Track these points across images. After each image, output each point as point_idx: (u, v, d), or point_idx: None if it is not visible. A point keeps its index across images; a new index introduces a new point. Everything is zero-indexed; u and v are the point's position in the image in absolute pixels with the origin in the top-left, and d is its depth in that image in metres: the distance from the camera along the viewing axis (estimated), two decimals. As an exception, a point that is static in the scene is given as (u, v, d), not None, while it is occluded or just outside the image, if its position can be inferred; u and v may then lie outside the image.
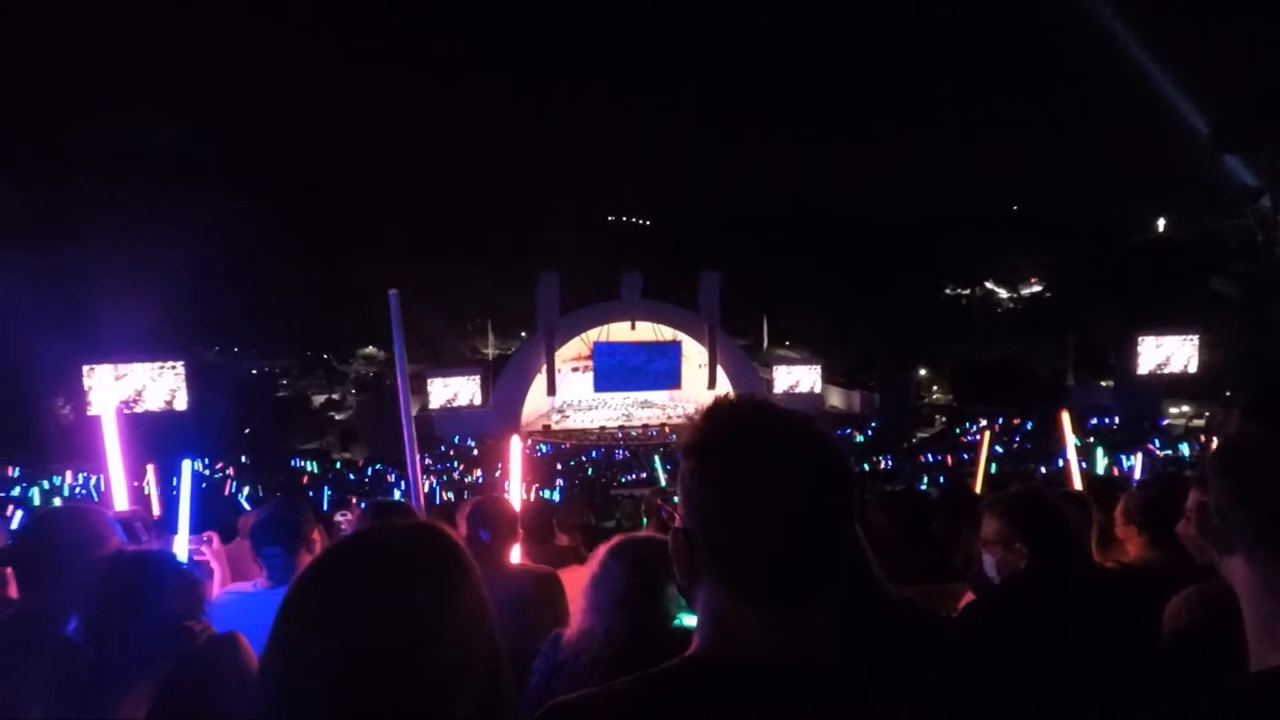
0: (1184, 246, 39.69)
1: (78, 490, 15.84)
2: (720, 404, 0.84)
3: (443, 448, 30.73)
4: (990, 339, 42.90)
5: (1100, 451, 8.39)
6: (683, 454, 0.82)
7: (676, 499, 0.86)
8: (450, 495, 16.12)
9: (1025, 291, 58.52)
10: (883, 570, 1.35)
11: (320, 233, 59.21)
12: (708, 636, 0.79)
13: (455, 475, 23.62)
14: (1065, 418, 3.57)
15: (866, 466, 19.30)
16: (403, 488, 15.11)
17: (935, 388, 44.89)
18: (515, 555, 2.84)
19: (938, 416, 37.82)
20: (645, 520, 5.45)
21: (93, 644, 1.60)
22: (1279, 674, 0.73)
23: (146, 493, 4.93)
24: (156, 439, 14.94)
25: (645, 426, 35.58)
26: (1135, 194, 58.89)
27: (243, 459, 24.69)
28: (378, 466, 24.58)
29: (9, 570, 1.83)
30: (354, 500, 10.77)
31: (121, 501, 2.79)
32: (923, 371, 44.38)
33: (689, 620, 1.71)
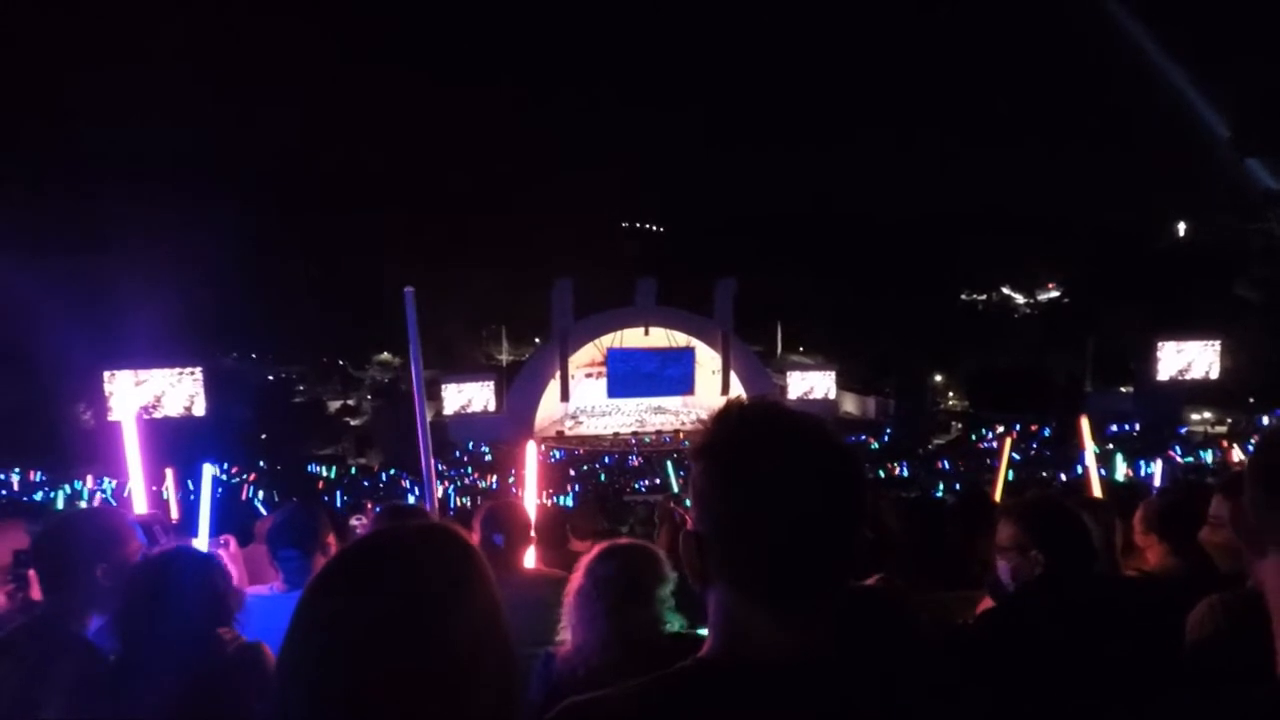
0: (1205, 251, 39.16)
1: (98, 495, 16.04)
2: (730, 406, 0.84)
3: (457, 453, 30.86)
4: (1007, 345, 42.50)
5: (1120, 458, 8.28)
6: (693, 457, 0.82)
7: (689, 502, 0.86)
8: (465, 500, 16.18)
9: (1042, 297, 57.95)
10: (899, 575, 1.34)
11: (336, 238, 59.83)
12: (719, 638, 0.79)
13: (469, 481, 23.71)
14: (1085, 424, 3.53)
15: (882, 473, 19.16)
16: (417, 493, 15.19)
17: (951, 394, 44.52)
18: (530, 560, 2.85)
19: (954, 423, 37.50)
20: (658, 526, 5.45)
21: (118, 646, 1.62)
22: None
23: (165, 497, 4.99)
24: (175, 444, 15.13)
25: (659, 432, 35.54)
26: (1156, 198, 58.22)
27: (260, 464, 24.92)
28: (393, 471, 24.73)
29: (32, 572, 1.86)
30: (369, 505, 10.83)
31: (142, 505, 2.83)
32: (938, 377, 44.03)
33: (679, 624, 1.71)
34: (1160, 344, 31.42)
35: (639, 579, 1.68)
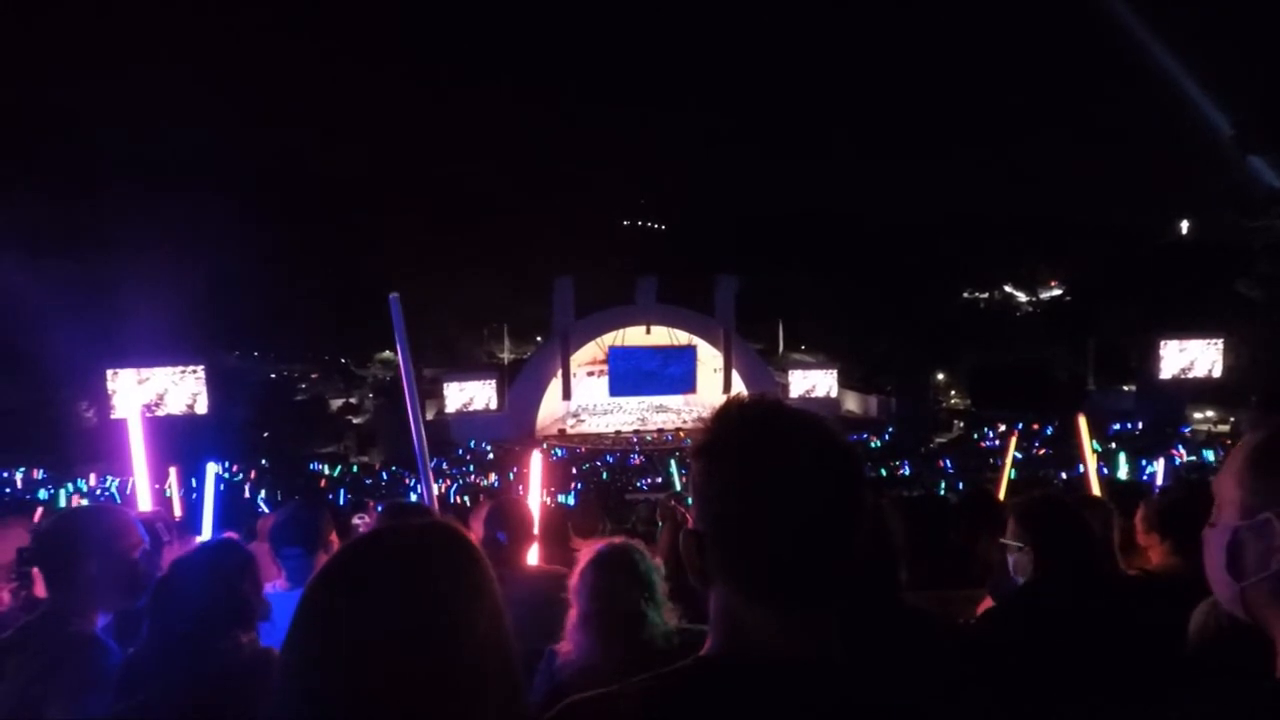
0: (1208, 249, 39.07)
1: (99, 492, 16.07)
2: (730, 405, 0.84)
3: (459, 451, 30.89)
4: (1009, 343, 42.42)
5: (1123, 457, 8.27)
6: (693, 455, 0.82)
7: (691, 501, 0.86)
8: (466, 499, 16.20)
9: (1044, 295, 57.83)
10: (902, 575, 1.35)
11: (338, 237, 59.81)
12: (720, 637, 0.79)
13: (471, 479, 23.73)
14: (1082, 422, 3.51)
15: (884, 472, 19.15)
16: (419, 490, 15.21)
17: (953, 392, 44.45)
18: (533, 558, 2.85)
19: (956, 421, 37.46)
20: (660, 524, 5.45)
21: (129, 643, 1.61)
22: None
23: (168, 495, 5.00)
24: (178, 442, 15.14)
25: (660, 431, 35.55)
26: (1158, 196, 58.12)
27: (262, 462, 24.96)
28: (394, 469, 24.76)
29: (35, 570, 1.86)
30: (371, 503, 10.85)
31: (145, 503, 2.84)
32: (940, 376, 43.97)
33: (674, 622, 1.71)
34: (1163, 342, 31.35)
35: (630, 580, 1.68)
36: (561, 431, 35.94)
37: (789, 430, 0.79)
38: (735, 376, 36.89)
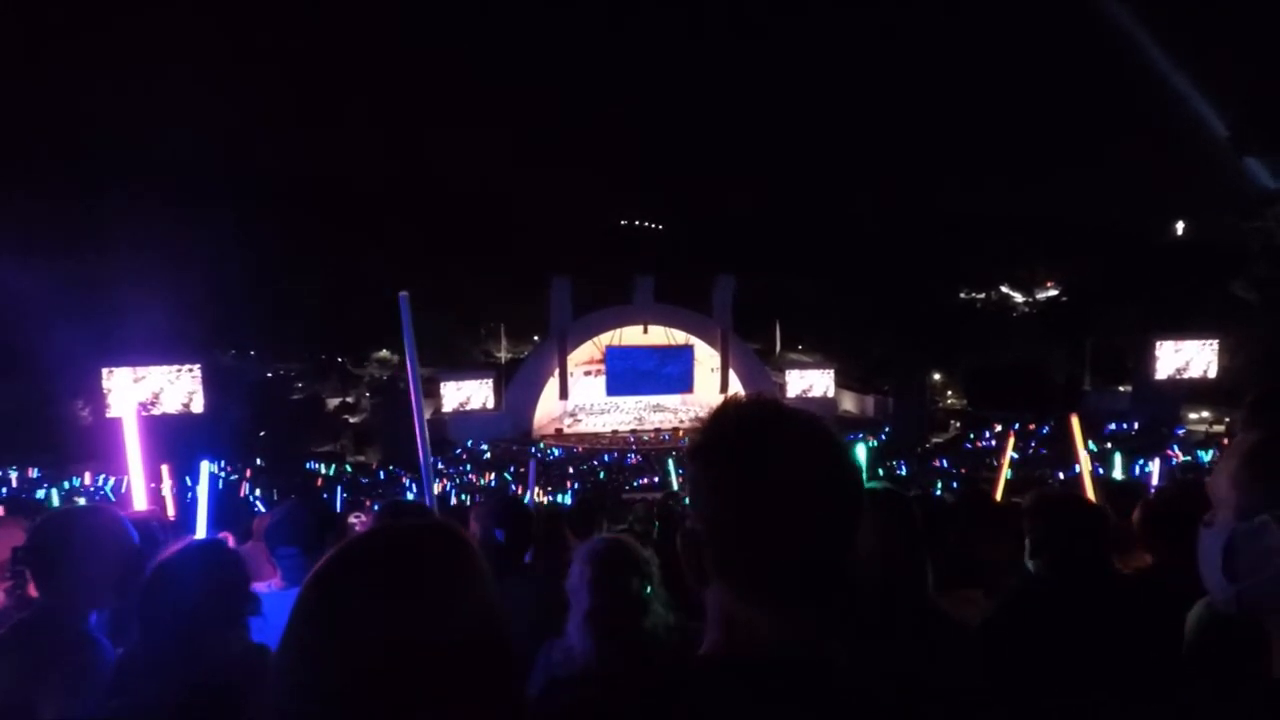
0: (1203, 250, 39.21)
1: (93, 490, 16.02)
2: (728, 405, 0.84)
3: (456, 450, 30.87)
4: (1005, 344, 42.52)
5: (1118, 457, 8.30)
6: (690, 455, 0.82)
7: (688, 500, 0.86)
8: (464, 498, 16.19)
9: (1041, 296, 57.98)
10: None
11: (335, 236, 59.70)
12: (717, 636, 0.79)
13: (469, 478, 23.73)
14: (1075, 422, 3.49)
15: (880, 472, 19.19)
16: (415, 490, 15.20)
17: (950, 393, 44.54)
18: (529, 557, 2.85)
19: (952, 422, 37.54)
20: (657, 524, 5.46)
21: (121, 642, 1.61)
22: None
23: (163, 494, 4.98)
24: (174, 441, 15.10)
25: (657, 430, 35.58)
26: (1154, 198, 58.28)
27: (258, 461, 24.91)
28: (391, 468, 24.73)
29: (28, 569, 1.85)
30: (367, 502, 10.84)
31: (140, 502, 2.83)
32: (937, 376, 44.06)
33: (669, 618, 1.71)
34: (1158, 343, 31.47)
35: (621, 578, 1.67)
36: (559, 431, 35.94)
37: (786, 430, 0.79)
38: (732, 376, 36.92)
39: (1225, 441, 17.27)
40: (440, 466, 25.08)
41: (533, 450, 32.11)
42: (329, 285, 52.69)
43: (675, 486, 13.14)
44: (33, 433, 23.48)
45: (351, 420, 41.83)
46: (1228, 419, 29.24)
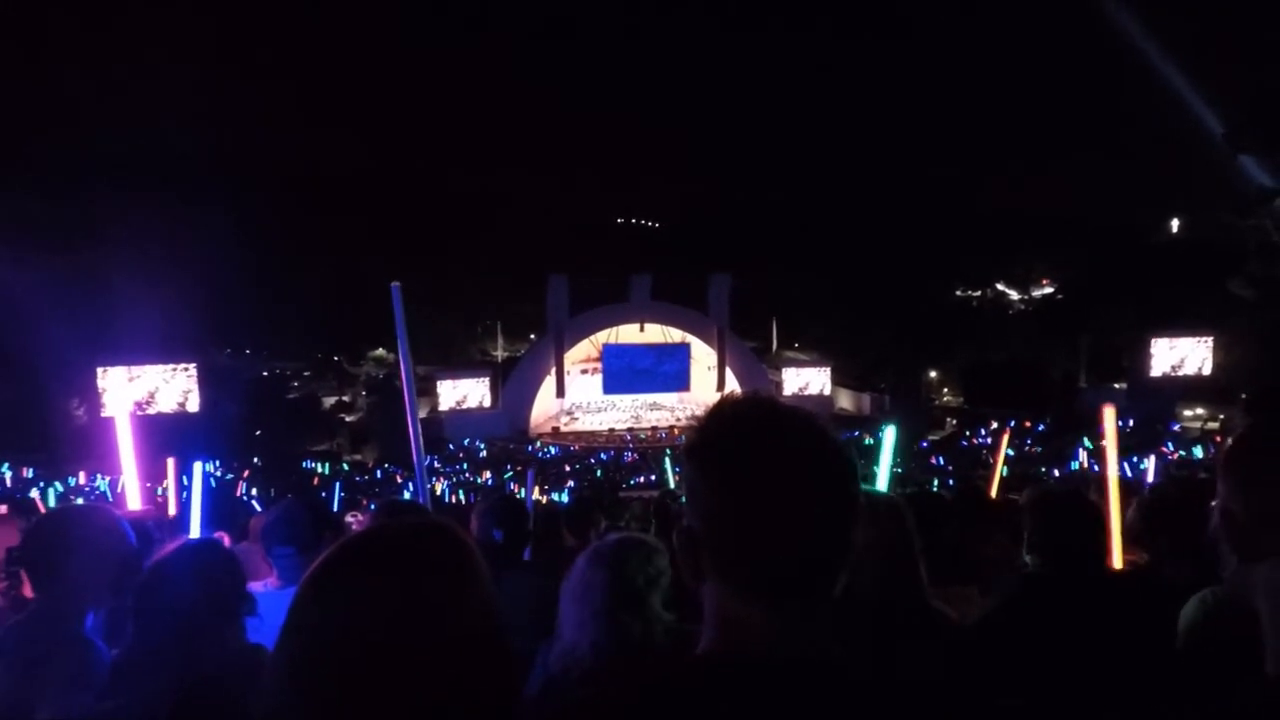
0: (1199, 248, 39.31)
1: (89, 490, 15.96)
2: (724, 403, 0.84)
3: (451, 448, 30.84)
4: (1002, 341, 42.63)
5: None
6: (686, 453, 0.82)
7: (685, 499, 0.86)
8: (460, 496, 16.17)
9: (1037, 293, 58.13)
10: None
11: (331, 235, 59.59)
12: (713, 635, 0.79)
13: (465, 477, 23.70)
14: (1110, 414, 3.19)
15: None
16: (411, 489, 15.18)
17: (946, 390, 44.63)
18: (526, 555, 2.85)
19: (948, 419, 37.62)
20: (654, 522, 5.46)
21: (117, 643, 1.60)
22: None
23: (159, 494, 4.95)
24: (169, 440, 15.02)
25: (654, 428, 35.59)
26: (1150, 195, 58.45)
27: (254, 460, 24.85)
28: (387, 468, 24.69)
29: (23, 570, 1.84)
30: (364, 501, 10.82)
31: (135, 502, 2.82)
32: (933, 374, 44.14)
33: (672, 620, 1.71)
34: (1153, 340, 31.56)
35: (631, 579, 1.65)
36: (555, 429, 35.93)
37: (782, 428, 0.79)
38: (729, 374, 36.95)
39: (1219, 439, 17.34)
40: (437, 465, 25.04)
41: (530, 449, 32.09)
42: (325, 284, 52.58)
43: (672, 485, 13.14)
44: (28, 432, 23.38)
45: (348, 419, 41.77)
46: (1222, 415, 29.36)
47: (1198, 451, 16.38)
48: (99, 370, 25.51)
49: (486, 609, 0.83)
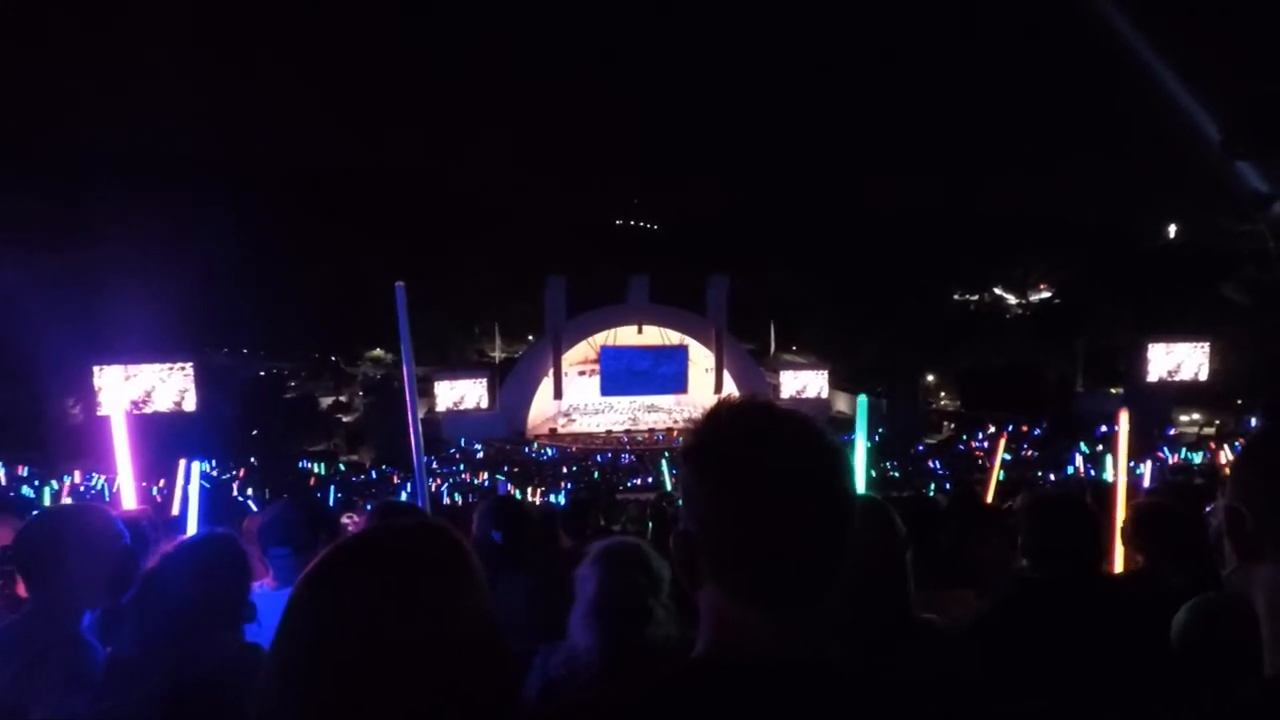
0: (1195, 253, 39.45)
1: (82, 489, 15.90)
2: (721, 406, 0.84)
3: (450, 450, 30.79)
4: (999, 345, 42.71)
5: (1109, 459, 8.34)
6: (682, 456, 0.82)
7: (681, 501, 0.86)
8: (458, 497, 16.14)
9: (1034, 298, 58.26)
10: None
11: (328, 235, 59.50)
12: (710, 639, 0.79)
13: (463, 478, 23.66)
14: (1125, 418, 3.06)
15: (874, 473, 19.22)
16: (408, 489, 15.14)
17: (943, 394, 44.69)
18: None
19: (945, 423, 37.68)
20: (650, 524, 5.45)
21: (114, 642, 1.59)
22: None
23: (155, 493, 4.94)
24: (165, 440, 15.01)
25: (651, 431, 35.57)
26: (1147, 200, 58.61)
27: (250, 460, 24.79)
28: (384, 468, 24.65)
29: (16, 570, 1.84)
30: (360, 502, 10.78)
31: (130, 501, 2.81)
32: (930, 377, 44.20)
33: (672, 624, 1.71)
34: (1150, 345, 31.63)
35: (634, 581, 1.64)
36: (553, 431, 35.90)
37: (777, 431, 0.79)
38: (726, 377, 36.95)
39: (1214, 444, 17.38)
40: (434, 466, 25.00)
41: (527, 451, 32.06)
42: (323, 283, 52.51)
43: (669, 487, 13.13)
44: (23, 431, 23.31)
45: (345, 419, 41.71)
46: (1218, 421, 29.43)
47: (1194, 457, 16.40)
48: (95, 369, 25.40)
49: (482, 610, 0.83)
